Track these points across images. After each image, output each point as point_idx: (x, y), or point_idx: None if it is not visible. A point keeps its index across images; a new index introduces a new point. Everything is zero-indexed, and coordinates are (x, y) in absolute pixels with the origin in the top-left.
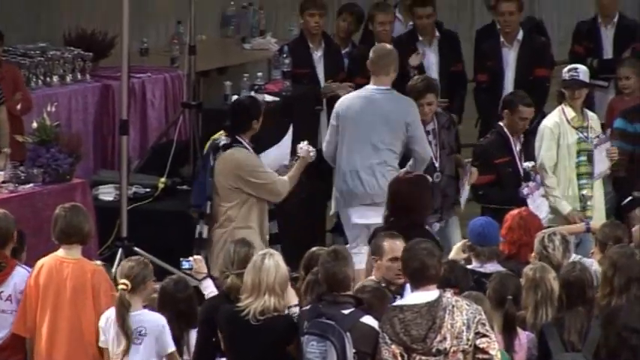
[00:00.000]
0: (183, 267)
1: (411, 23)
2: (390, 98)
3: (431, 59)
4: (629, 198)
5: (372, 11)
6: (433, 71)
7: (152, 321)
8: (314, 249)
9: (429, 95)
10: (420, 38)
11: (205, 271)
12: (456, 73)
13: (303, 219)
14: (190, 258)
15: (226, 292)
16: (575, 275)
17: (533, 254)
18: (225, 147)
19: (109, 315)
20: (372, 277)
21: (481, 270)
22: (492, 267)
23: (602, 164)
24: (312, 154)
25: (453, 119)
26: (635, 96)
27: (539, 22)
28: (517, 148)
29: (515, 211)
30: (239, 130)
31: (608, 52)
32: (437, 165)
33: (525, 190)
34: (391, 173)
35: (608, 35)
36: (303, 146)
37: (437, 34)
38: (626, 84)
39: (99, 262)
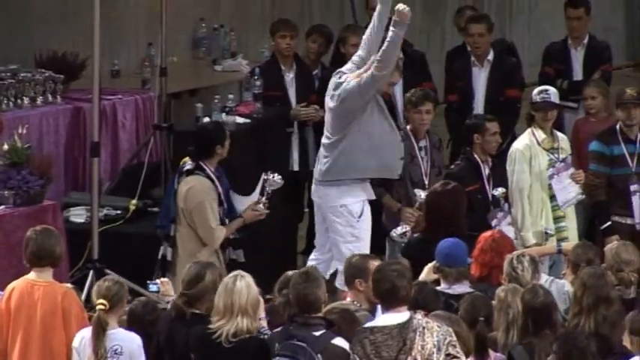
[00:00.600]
0: (151, 289)
1: None
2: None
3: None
4: (608, 223)
5: (343, 33)
6: (397, 92)
7: (128, 340)
8: (290, 272)
9: (427, 103)
10: None
11: (172, 293)
12: None
13: (275, 241)
14: (158, 280)
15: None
16: (541, 301)
17: (503, 276)
18: (188, 172)
19: (84, 335)
20: (349, 300)
21: (449, 291)
22: (460, 288)
23: (565, 192)
24: (278, 180)
25: (441, 141)
26: (600, 117)
27: (511, 44)
28: (486, 172)
29: (487, 233)
30: (202, 155)
31: (578, 74)
32: (426, 183)
33: (494, 222)
34: (322, 160)
35: (578, 57)
36: (273, 178)
37: (401, 55)
38: (592, 104)
39: (70, 285)
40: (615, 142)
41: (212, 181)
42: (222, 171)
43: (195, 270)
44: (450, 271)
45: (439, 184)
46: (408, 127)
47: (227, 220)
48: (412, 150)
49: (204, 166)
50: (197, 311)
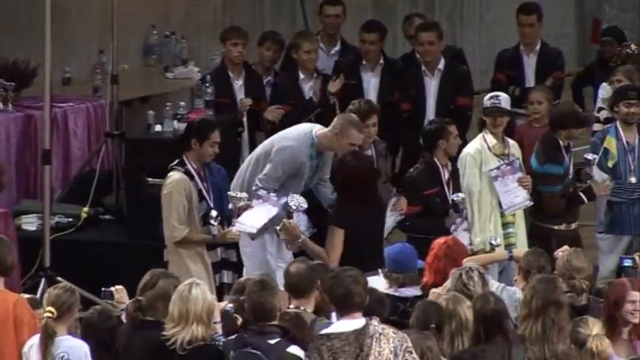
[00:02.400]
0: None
1: (337, 49)
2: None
3: (371, 84)
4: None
5: (296, 40)
6: (372, 96)
7: (75, 347)
8: (243, 279)
9: (373, 116)
10: (364, 62)
11: (127, 300)
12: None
13: None
14: (112, 288)
15: None
16: (492, 308)
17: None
18: (171, 168)
19: (33, 342)
20: (292, 306)
21: (396, 294)
22: (408, 291)
23: (511, 196)
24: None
25: (388, 148)
26: (543, 123)
27: (459, 51)
28: (446, 176)
29: (441, 240)
30: (181, 147)
31: (530, 81)
32: None
33: (452, 228)
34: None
35: (530, 63)
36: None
37: (381, 61)
38: (538, 109)
39: (23, 295)
40: (563, 157)
41: (192, 177)
42: (217, 169)
43: (148, 277)
44: (398, 276)
45: (348, 155)
46: None
47: (213, 213)
48: None
49: (186, 162)
50: (149, 318)
